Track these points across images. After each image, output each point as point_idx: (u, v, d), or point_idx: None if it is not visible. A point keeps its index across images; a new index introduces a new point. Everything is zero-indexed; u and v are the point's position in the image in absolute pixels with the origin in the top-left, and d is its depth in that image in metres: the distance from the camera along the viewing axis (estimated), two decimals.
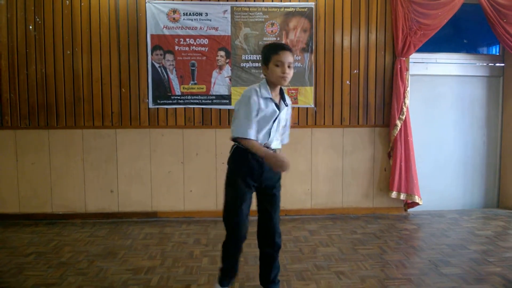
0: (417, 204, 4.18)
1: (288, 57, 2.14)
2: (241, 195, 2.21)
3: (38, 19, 3.91)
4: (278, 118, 2.22)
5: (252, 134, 2.13)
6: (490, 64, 4.58)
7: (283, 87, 2.28)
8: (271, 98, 2.19)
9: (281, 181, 2.36)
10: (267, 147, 2.20)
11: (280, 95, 2.27)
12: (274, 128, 2.22)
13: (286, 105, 2.28)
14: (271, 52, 2.16)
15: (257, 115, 2.14)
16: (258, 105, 2.15)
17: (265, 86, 2.19)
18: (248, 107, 2.13)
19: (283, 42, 4.06)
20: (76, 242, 3.40)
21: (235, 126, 2.17)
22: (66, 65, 3.95)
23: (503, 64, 4.57)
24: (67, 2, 3.90)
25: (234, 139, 2.20)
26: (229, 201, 2.25)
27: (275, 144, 2.27)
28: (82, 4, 3.91)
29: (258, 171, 2.21)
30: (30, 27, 3.91)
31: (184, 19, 3.95)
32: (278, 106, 2.22)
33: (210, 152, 4.09)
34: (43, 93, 3.96)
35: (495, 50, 4.74)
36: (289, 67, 2.14)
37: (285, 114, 2.30)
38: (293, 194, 4.16)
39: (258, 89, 2.17)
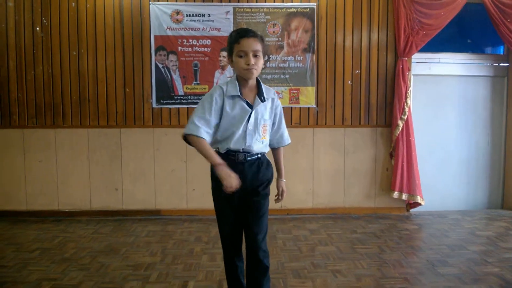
0: (419, 204, 4.18)
1: (252, 45, 1.84)
2: (222, 205, 2.02)
3: (45, 21, 4.00)
4: (254, 117, 1.93)
5: (203, 132, 1.85)
6: (494, 64, 4.56)
7: (260, 80, 2.01)
8: (239, 96, 1.91)
9: (273, 185, 2.06)
10: (248, 152, 1.94)
11: (257, 89, 1.97)
12: (250, 130, 1.92)
13: (263, 100, 1.95)
14: (233, 41, 1.88)
15: (220, 116, 1.90)
16: (222, 105, 1.89)
17: (234, 82, 1.93)
18: (207, 103, 1.88)
19: (285, 42, 4.10)
20: (80, 238, 3.48)
21: (188, 121, 1.89)
22: (72, 65, 4.04)
23: (507, 64, 4.54)
24: (73, 4, 3.99)
25: (184, 138, 1.91)
26: (216, 212, 2.07)
27: (258, 147, 1.97)
28: (88, 6, 3.99)
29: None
30: (37, 28, 4.01)
31: (187, 20, 4.01)
32: (250, 104, 1.93)
33: None
34: (50, 93, 4.06)
35: (499, 50, 4.71)
36: (256, 56, 1.86)
37: (265, 110, 1.98)
38: (294, 193, 4.18)
39: (224, 87, 1.91)
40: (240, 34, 1.87)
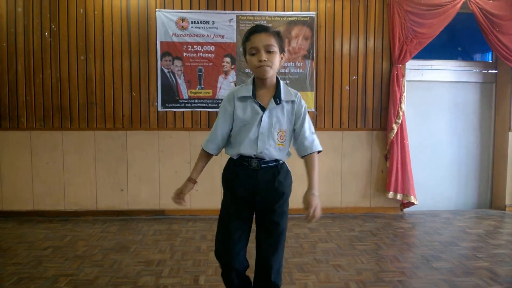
0: (413, 204, 4.37)
1: (264, 40, 1.71)
2: (228, 213, 1.87)
3: (53, 26, 4.13)
4: (268, 121, 1.78)
5: (209, 147, 1.87)
6: (483, 71, 4.79)
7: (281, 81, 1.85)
8: (251, 97, 1.78)
9: (313, 199, 1.80)
10: (262, 159, 1.79)
11: (275, 90, 1.80)
12: (262, 135, 1.77)
13: (278, 103, 1.77)
14: (244, 40, 1.77)
15: (231, 121, 1.82)
16: (232, 111, 1.80)
17: (249, 83, 1.81)
18: (219, 115, 1.84)
19: (285, 49, 4.26)
20: (89, 237, 3.60)
21: None
22: (80, 70, 4.17)
23: (495, 71, 4.78)
24: (81, 10, 4.12)
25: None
26: (219, 219, 1.92)
27: (273, 154, 1.80)
28: (96, 12, 4.13)
29: (250, 189, 1.82)
30: (46, 33, 4.13)
31: (192, 27, 4.17)
32: (263, 107, 1.78)
33: None
34: (58, 96, 4.18)
35: (488, 58, 4.95)
36: (269, 52, 1.72)
37: (282, 114, 1.80)
38: (294, 194, 4.31)
39: (235, 92, 1.82)
40: (251, 30, 1.75)
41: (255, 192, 1.81)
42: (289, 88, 1.86)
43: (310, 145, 1.84)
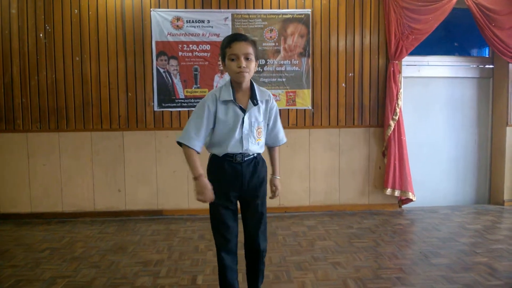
0: (411, 200, 4.37)
1: (243, 48, 1.89)
2: (221, 207, 2.04)
3: (48, 27, 4.11)
4: (248, 122, 1.98)
5: (196, 145, 1.94)
6: (480, 66, 4.78)
7: (255, 83, 2.05)
8: (232, 101, 1.96)
9: (278, 182, 2.19)
10: (245, 154, 2.01)
11: (250, 92, 2.01)
12: (245, 134, 1.98)
13: (255, 104, 1.99)
14: (225, 46, 1.93)
15: (213, 121, 1.96)
16: (215, 112, 1.95)
17: (228, 87, 1.97)
18: (201, 114, 1.94)
19: (281, 46, 4.26)
20: (87, 238, 3.59)
21: (183, 129, 1.98)
22: (75, 71, 4.15)
23: (492, 66, 4.77)
24: (76, 11, 4.10)
25: (178, 143, 1.99)
26: (211, 214, 2.09)
27: (254, 149, 2.03)
28: (90, 13, 4.11)
29: (237, 181, 2.02)
30: (41, 35, 4.11)
31: (187, 26, 4.16)
32: (243, 109, 1.98)
33: None
34: (54, 97, 4.16)
35: (485, 53, 4.94)
36: (247, 59, 1.91)
37: (259, 113, 2.03)
38: (292, 191, 4.35)
39: (217, 93, 1.96)
40: (232, 38, 1.92)
41: (241, 181, 2.02)
42: (262, 88, 2.08)
43: (282, 138, 2.19)
